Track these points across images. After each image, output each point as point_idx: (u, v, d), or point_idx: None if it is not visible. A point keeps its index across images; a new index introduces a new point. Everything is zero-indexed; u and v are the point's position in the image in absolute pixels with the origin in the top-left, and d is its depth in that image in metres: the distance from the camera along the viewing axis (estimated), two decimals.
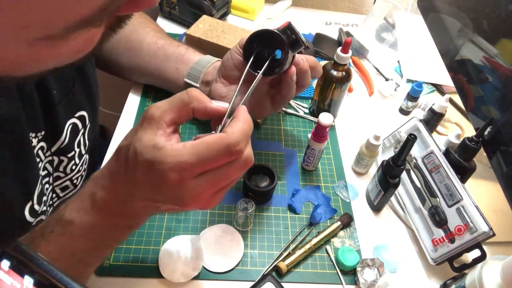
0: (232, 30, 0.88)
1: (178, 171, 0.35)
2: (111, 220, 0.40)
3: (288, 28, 0.50)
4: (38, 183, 0.51)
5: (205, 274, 0.58)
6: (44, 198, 0.54)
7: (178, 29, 1.00)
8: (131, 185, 0.38)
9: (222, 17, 1.02)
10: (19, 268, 0.24)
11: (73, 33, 0.23)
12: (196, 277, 0.57)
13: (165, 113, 0.38)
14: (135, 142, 0.37)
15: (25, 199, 0.49)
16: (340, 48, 0.74)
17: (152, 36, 0.72)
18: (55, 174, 0.57)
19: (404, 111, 0.89)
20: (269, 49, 0.49)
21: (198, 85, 0.67)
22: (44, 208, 0.53)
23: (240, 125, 0.38)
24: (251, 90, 0.45)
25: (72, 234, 0.39)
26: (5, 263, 0.24)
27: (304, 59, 0.58)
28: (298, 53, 0.58)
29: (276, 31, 0.49)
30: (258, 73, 0.48)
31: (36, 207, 0.51)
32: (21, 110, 0.45)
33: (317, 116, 0.76)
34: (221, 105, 0.40)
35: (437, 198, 0.63)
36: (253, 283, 0.56)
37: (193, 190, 0.37)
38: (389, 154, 0.71)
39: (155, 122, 0.38)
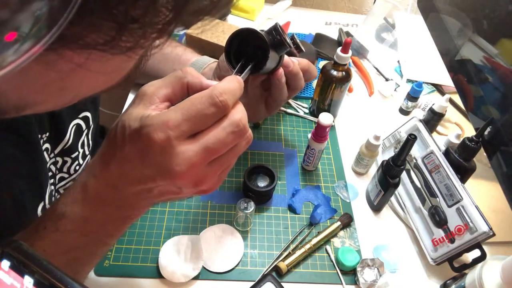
0: (232, 30, 0.88)
1: (164, 130, 0.34)
2: (103, 212, 0.39)
3: (274, 29, 0.50)
4: (49, 184, 0.51)
5: (205, 274, 0.58)
6: (53, 198, 0.54)
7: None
8: (121, 163, 0.36)
9: (222, 17, 1.02)
10: (19, 268, 0.24)
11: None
12: (196, 277, 0.57)
13: (159, 89, 0.37)
14: (124, 117, 0.36)
15: (37, 200, 0.49)
16: (340, 48, 0.74)
17: None
18: (59, 175, 0.57)
19: (404, 111, 0.89)
20: (252, 48, 0.49)
21: None
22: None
23: (223, 82, 0.37)
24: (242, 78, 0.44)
25: (65, 230, 0.38)
26: (5, 263, 0.24)
27: (294, 62, 0.58)
28: (290, 55, 0.58)
29: (255, 29, 0.49)
30: (238, 73, 0.47)
31: (48, 207, 0.51)
32: None
33: (317, 116, 0.77)
34: (216, 84, 0.38)
35: (437, 198, 0.63)
36: (253, 283, 0.56)
37: (182, 155, 0.34)
38: (389, 154, 0.71)
39: (147, 98, 0.37)
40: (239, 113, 0.37)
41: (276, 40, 0.50)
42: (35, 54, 0.17)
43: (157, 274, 0.57)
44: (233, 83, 0.37)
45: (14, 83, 0.21)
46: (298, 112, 0.85)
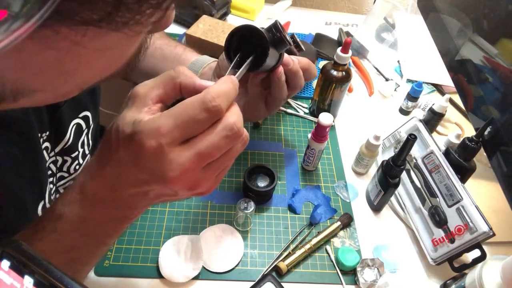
0: None
1: (156, 137, 0.33)
2: (101, 212, 0.39)
3: (274, 27, 0.50)
4: (48, 182, 0.51)
5: (205, 274, 0.58)
6: (52, 197, 0.54)
7: (178, 29, 1.00)
8: (116, 166, 0.36)
9: (222, 17, 1.02)
10: (19, 268, 0.24)
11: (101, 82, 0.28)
12: (196, 277, 0.57)
13: (151, 90, 0.37)
14: (118, 121, 0.36)
15: (37, 199, 0.49)
16: (340, 48, 0.74)
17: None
18: (58, 174, 0.57)
19: (404, 111, 0.89)
20: (251, 45, 0.49)
21: None
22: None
23: (216, 84, 0.36)
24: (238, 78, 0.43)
25: (64, 230, 0.38)
26: (5, 263, 0.24)
27: (295, 60, 0.58)
28: (291, 54, 0.58)
29: (255, 26, 0.49)
30: (236, 69, 0.46)
31: (48, 206, 0.51)
32: (30, 111, 0.45)
33: (317, 116, 0.76)
34: (209, 84, 0.37)
35: (437, 198, 0.63)
36: (253, 283, 0.56)
37: (175, 161, 0.34)
38: (389, 154, 0.71)
39: (139, 99, 0.37)
40: (233, 116, 0.36)
41: (276, 37, 0.50)
42: (27, 32, 0.17)
43: (157, 274, 0.57)
44: (227, 85, 0.36)
45: (10, 63, 0.21)
46: (298, 112, 0.85)
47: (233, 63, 0.46)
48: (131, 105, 0.37)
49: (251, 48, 0.48)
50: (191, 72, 0.38)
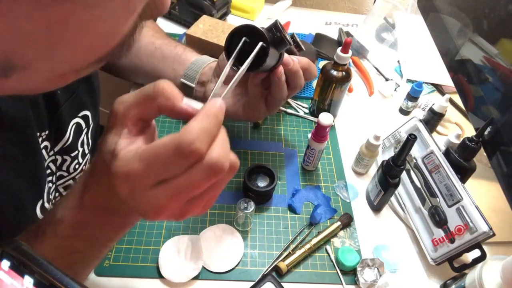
0: None
1: (127, 182, 0.32)
2: (101, 217, 0.38)
3: (274, 26, 0.50)
4: (47, 181, 0.51)
5: (205, 274, 0.58)
6: (51, 196, 0.54)
7: (178, 29, 1.00)
8: (106, 186, 0.35)
9: (222, 17, 1.02)
10: (19, 268, 0.24)
11: (97, 64, 0.28)
12: (196, 277, 0.57)
13: (129, 109, 0.34)
14: (101, 144, 0.35)
15: (36, 198, 0.49)
16: (340, 48, 0.74)
17: (150, 36, 0.72)
18: (58, 173, 0.57)
19: (404, 111, 0.89)
20: (252, 45, 0.49)
21: (194, 85, 0.68)
22: (52, 207, 0.53)
23: (196, 121, 0.31)
24: (231, 87, 0.40)
25: (64, 235, 0.38)
26: (5, 263, 0.24)
27: (295, 60, 0.58)
28: (291, 53, 0.58)
29: (256, 26, 0.49)
30: (239, 69, 0.43)
31: (46, 205, 0.51)
32: (29, 110, 0.45)
33: (317, 116, 0.77)
34: (192, 105, 0.34)
35: (437, 198, 0.63)
36: (253, 283, 0.56)
37: (152, 202, 0.32)
38: (389, 154, 0.71)
39: (119, 120, 0.34)
40: (215, 151, 0.31)
41: (276, 37, 0.50)
42: None
43: (157, 274, 0.57)
44: (208, 121, 0.31)
45: None
46: (298, 112, 0.85)
47: (230, 60, 0.45)
48: (111, 126, 0.35)
49: (251, 48, 0.48)
50: (173, 89, 0.33)
